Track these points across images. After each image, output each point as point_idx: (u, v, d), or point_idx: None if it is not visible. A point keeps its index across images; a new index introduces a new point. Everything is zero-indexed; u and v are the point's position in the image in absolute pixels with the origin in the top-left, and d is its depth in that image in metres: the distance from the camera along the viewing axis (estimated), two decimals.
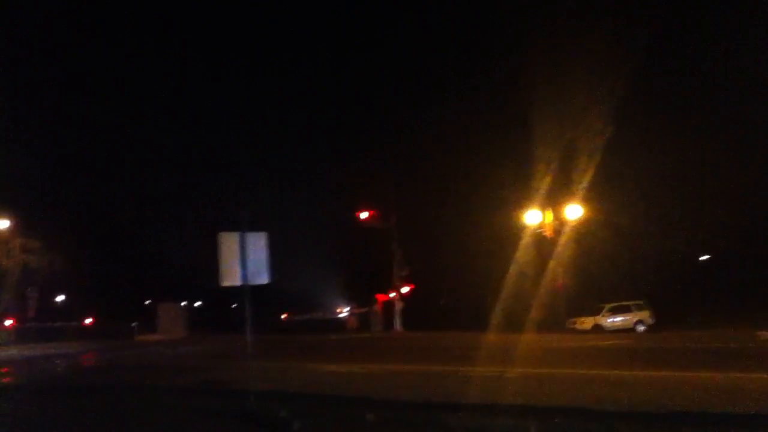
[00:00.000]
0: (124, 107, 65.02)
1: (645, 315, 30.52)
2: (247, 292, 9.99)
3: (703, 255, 38.67)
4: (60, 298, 55.87)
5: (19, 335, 41.57)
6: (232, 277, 9.78)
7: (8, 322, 43.33)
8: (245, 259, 9.78)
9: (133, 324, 51.08)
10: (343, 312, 52.75)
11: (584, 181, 27.79)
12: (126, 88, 65.36)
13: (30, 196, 39.29)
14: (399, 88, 39.67)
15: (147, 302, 61.61)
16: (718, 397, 8.07)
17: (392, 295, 40.27)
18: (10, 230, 39.60)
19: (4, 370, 21.14)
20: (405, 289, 40.22)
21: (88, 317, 53.64)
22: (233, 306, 52.22)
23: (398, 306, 39.67)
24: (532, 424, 6.96)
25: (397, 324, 39.09)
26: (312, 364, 15.89)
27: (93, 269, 50.28)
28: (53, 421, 10.53)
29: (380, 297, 41.91)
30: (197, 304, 67.36)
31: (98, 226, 53.71)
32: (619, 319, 30.53)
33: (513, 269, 28.26)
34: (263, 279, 10.07)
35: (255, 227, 10.25)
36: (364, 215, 39.18)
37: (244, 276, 9.80)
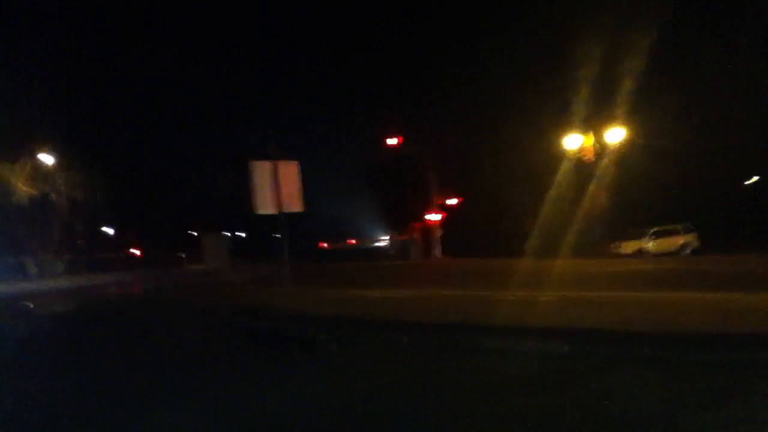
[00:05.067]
0: (159, 43, 64.67)
1: (691, 238, 29.99)
2: (282, 219, 10.07)
3: (750, 177, 37.47)
4: (108, 230, 57.41)
5: (70, 267, 43.19)
6: (265, 205, 9.87)
7: (59, 254, 44.88)
8: (278, 188, 9.83)
9: (182, 254, 52.50)
10: (383, 240, 53.07)
11: (626, 104, 26.97)
12: (160, 25, 64.92)
13: (70, 130, 39.86)
14: (434, 13, 38.21)
15: (193, 233, 62.91)
16: (761, 319, 7.89)
17: (431, 222, 40.32)
18: (55, 165, 40.57)
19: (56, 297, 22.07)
20: (439, 217, 40.19)
21: (135, 249, 55.18)
22: (274, 235, 52.94)
23: (437, 233, 39.78)
24: (561, 345, 6.96)
25: (436, 251, 39.28)
26: (351, 290, 16.09)
27: (139, 203, 51.38)
28: (103, 339, 10.99)
29: (418, 225, 41.98)
30: (241, 234, 68.51)
31: (142, 160, 54.58)
32: (663, 243, 30.05)
33: (552, 194, 27.94)
34: (297, 207, 10.14)
35: (290, 156, 10.27)
36: (392, 141, 38.72)
37: (278, 204, 9.88)
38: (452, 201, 40.55)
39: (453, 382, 6.22)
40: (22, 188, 38.98)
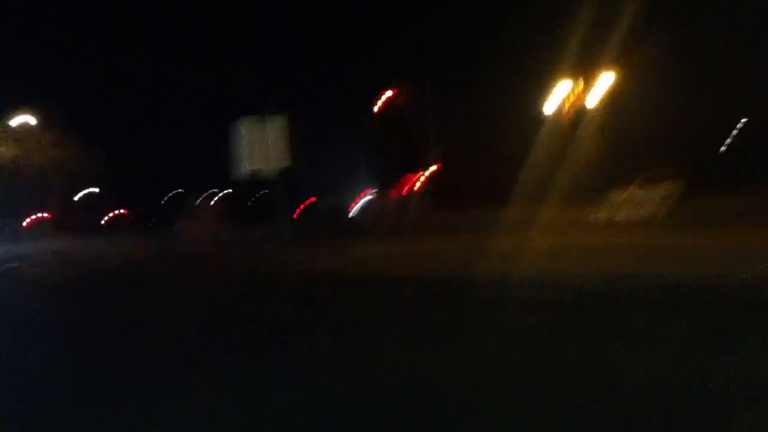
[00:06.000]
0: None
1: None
2: (277, 176, 9.85)
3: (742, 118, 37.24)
4: (93, 190, 56.81)
5: (58, 228, 42.92)
6: (254, 163, 9.64)
7: (45, 215, 44.61)
8: (267, 143, 9.57)
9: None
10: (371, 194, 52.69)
11: (618, 47, 26.52)
12: None
13: (51, 92, 39.03)
14: None
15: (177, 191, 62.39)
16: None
17: (423, 174, 40.17)
18: (38, 126, 39.94)
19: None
20: (434, 168, 40.03)
21: (122, 209, 54.77)
22: (264, 192, 52.39)
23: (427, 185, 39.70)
24: (546, 293, 6.93)
25: (427, 203, 39.20)
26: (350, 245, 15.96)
27: (123, 162, 50.59)
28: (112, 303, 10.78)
29: (411, 177, 41.81)
30: (227, 191, 67.99)
31: (126, 118, 53.62)
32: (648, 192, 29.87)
33: (542, 142, 27.72)
34: (284, 162, 9.92)
35: (281, 112, 9.97)
36: (387, 94, 38.30)
37: (266, 160, 9.64)
38: (432, 167, 40.17)
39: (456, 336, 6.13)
40: (7, 149, 38.41)
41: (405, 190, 42.77)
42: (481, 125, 36.22)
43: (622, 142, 29.33)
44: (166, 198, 58.49)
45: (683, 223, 15.85)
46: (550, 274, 8.15)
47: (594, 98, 28.82)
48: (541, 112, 29.85)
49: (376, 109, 40.71)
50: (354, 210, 48.85)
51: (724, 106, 32.24)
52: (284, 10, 63.58)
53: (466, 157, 39.48)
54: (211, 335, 7.05)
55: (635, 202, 29.32)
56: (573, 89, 29.44)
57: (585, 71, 29.08)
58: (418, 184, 40.82)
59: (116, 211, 54.58)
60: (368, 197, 46.93)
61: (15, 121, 38.98)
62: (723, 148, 31.01)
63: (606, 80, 28.48)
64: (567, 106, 29.50)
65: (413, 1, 38.37)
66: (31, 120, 39.63)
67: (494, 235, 14.10)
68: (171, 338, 7.00)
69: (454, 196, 37.57)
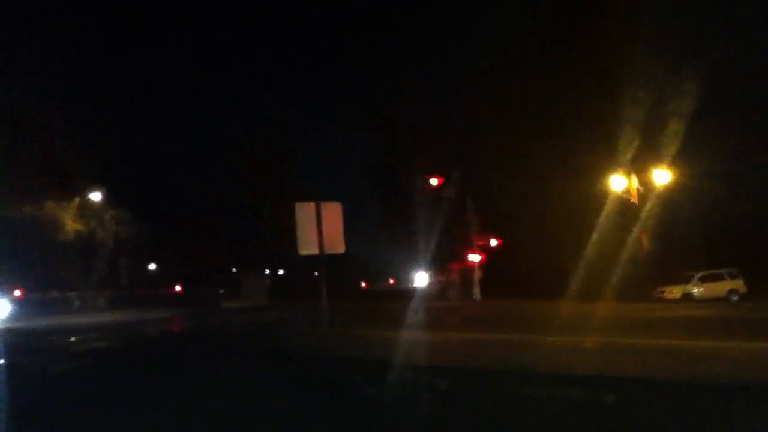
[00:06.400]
0: (214, 86, 66.76)
1: (738, 284, 29.19)
2: (324, 261, 10.10)
3: None
4: (151, 266, 58.46)
5: (113, 302, 43.95)
6: (308, 246, 9.92)
7: (102, 290, 45.81)
8: (321, 229, 9.88)
9: (221, 291, 53.13)
10: (421, 280, 52.67)
11: (673, 145, 26.58)
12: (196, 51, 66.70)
13: (119, 167, 41.00)
14: (472, 46, 38.01)
15: (233, 270, 63.61)
16: None
17: (471, 263, 40.05)
18: (103, 202, 41.59)
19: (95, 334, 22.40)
20: (479, 258, 39.92)
21: (176, 285, 55.96)
22: (314, 274, 53.00)
23: (477, 274, 39.47)
24: (605, 396, 6.75)
25: (476, 292, 38.91)
26: (390, 332, 15.96)
27: (181, 239, 52.29)
28: (135, 381, 11.05)
29: (456, 266, 41.72)
30: (280, 272, 68.96)
31: (185, 197, 55.67)
32: (709, 288, 29.32)
33: (596, 236, 27.49)
34: (339, 248, 10.16)
35: (330, 198, 10.35)
36: (433, 182, 38.87)
37: (321, 245, 9.91)
38: (493, 242, 40.20)
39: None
40: (70, 224, 39.99)
41: (448, 278, 42.74)
42: (530, 217, 36.16)
43: (678, 240, 28.93)
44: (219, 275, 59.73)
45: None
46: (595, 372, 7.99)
47: (647, 194, 28.72)
48: (594, 206, 29.74)
49: (422, 195, 41.14)
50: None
51: None
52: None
53: (514, 251, 39.35)
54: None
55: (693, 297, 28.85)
56: (627, 185, 29.45)
57: (639, 167, 29.14)
58: (465, 272, 40.70)
59: (173, 287, 55.88)
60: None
61: (82, 197, 40.71)
62: None
63: (661, 177, 28.41)
64: (619, 200, 29.43)
65: (469, 96, 39.15)
66: (97, 196, 41.32)
67: (542, 329, 13.92)
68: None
69: (500, 286, 37.32)
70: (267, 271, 59.56)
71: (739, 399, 6.28)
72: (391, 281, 55.10)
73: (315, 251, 9.82)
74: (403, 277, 55.78)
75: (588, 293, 23.81)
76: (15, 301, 39.66)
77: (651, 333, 12.98)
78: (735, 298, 28.63)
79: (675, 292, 29.46)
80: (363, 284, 58.08)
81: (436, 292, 43.98)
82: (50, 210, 38.80)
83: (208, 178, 64.97)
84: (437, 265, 45.56)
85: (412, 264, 52.75)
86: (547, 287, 29.32)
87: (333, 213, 9.99)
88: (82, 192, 40.62)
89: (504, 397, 7.55)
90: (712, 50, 24.12)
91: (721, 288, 29.34)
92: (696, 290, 29.37)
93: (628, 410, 6.41)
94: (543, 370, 8.21)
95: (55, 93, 37.45)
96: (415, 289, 50.40)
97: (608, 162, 29.52)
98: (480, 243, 39.90)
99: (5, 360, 14.05)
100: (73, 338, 20.26)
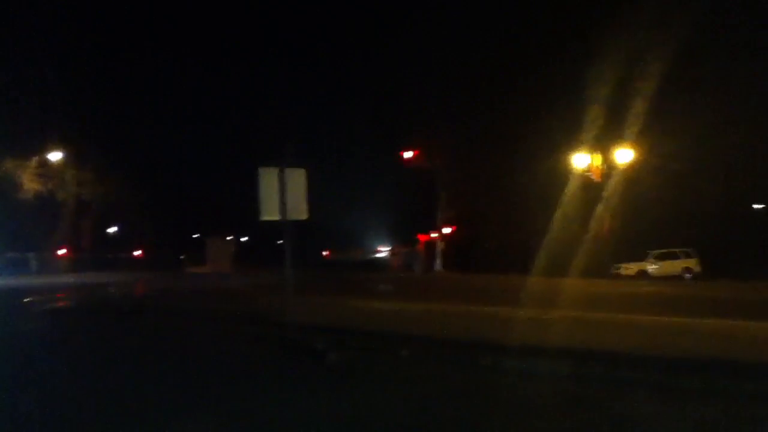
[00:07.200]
0: (176, 43, 64.93)
1: (692, 263, 29.98)
2: (288, 227, 10.01)
3: (758, 204, 37.40)
4: (112, 229, 57.48)
5: (74, 265, 43.23)
6: (271, 212, 9.81)
7: (62, 252, 44.98)
8: (284, 195, 9.76)
9: (181, 256, 52.69)
10: (384, 251, 52.93)
11: (636, 124, 26.86)
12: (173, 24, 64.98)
13: (81, 128, 39.79)
14: (447, 26, 37.85)
15: (195, 236, 62.98)
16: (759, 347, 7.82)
17: (434, 235, 40.30)
18: (63, 162, 40.63)
19: (60, 294, 22.11)
20: (447, 230, 40.16)
21: (138, 249, 55.22)
22: (278, 242, 52.73)
23: (439, 247, 39.71)
24: (568, 367, 6.89)
25: (438, 264, 39.17)
26: (351, 300, 16.03)
27: (143, 202, 51.36)
28: (102, 336, 11.01)
29: (422, 237, 41.93)
30: (243, 238, 68.46)
31: (147, 159, 54.46)
32: (665, 266, 30.07)
33: (559, 213, 27.79)
34: (302, 215, 10.07)
35: (298, 163, 10.23)
36: (408, 155, 38.87)
37: (283, 211, 9.81)
38: (457, 218, 40.36)
39: (462, 401, 6.16)
40: (28, 183, 39.06)
41: (412, 250, 43.01)
42: (495, 195, 36.45)
43: (639, 218, 29.42)
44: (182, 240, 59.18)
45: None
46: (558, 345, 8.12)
47: (609, 172, 29.08)
48: (558, 183, 30.04)
49: (394, 168, 41.12)
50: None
51: (742, 189, 32.38)
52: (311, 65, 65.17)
53: (479, 225, 39.62)
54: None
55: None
56: (590, 163, 29.77)
57: (603, 145, 29.43)
58: (429, 244, 40.94)
59: (134, 251, 55.15)
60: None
61: (41, 157, 39.70)
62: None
63: (624, 156, 28.76)
64: (582, 177, 29.76)
65: (448, 71, 38.88)
66: (57, 156, 40.31)
67: (506, 302, 14.08)
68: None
69: (464, 260, 37.66)
70: (230, 237, 59.11)
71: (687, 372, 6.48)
72: (356, 252, 55.02)
73: (276, 217, 9.71)
74: (368, 248, 55.82)
75: (550, 269, 24.08)
76: None
77: (604, 308, 13.21)
78: (688, 276, 29.40)
79: (631, 268, 30.22)
80: (325, 253, 57.86)
81: (402, 264, 44.25)
82: (8, 169, 37.84)
83: (179, 143, 63.47)
84: (402, 237, 45.83)
85: (378, 235, 52.98)
86: (510, 262, 29.70)
87: (297, 179, 9.88)
88: (42, 151, 39.62)
89: (463, 366, 7.68)
90: (680, 28, 24.24)
91: (676, 266, 30.15)
92: (651, 267, 30.14)
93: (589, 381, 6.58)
94: (503, 342, 8.31)
95: (21, 53, 35.98)
96: (377, 260, 50.71)
97: (574, 140, 29.77)
98: (446, 216, 40.07)
99: None
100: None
